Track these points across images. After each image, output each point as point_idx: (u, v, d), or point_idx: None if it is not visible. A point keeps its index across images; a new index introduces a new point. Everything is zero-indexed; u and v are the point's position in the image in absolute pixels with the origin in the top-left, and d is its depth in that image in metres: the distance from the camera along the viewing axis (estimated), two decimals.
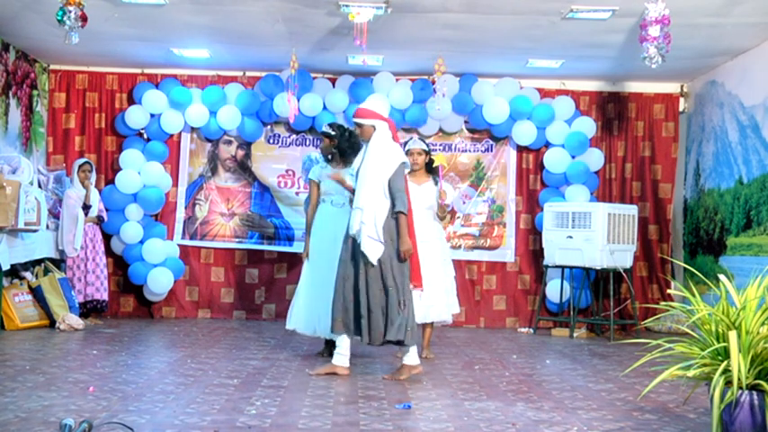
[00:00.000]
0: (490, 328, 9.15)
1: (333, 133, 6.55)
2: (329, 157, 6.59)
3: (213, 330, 8.14)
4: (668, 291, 8.80)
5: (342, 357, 5.67)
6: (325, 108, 8.94)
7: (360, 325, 5.57)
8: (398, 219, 5.54)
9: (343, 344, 5.67)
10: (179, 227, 9.24)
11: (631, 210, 8.52)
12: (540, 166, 9.29)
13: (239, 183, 9.31)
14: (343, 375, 5.60)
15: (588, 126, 9.12)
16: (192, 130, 9.24)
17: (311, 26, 7.40)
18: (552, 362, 6.78)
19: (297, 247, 9.08)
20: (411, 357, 5.63)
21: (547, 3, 6.60)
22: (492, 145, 9.38)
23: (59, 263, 8.34)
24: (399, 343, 5.56)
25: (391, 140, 5.69)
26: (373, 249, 5.50)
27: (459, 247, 9.25)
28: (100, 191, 8.84)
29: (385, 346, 5.80)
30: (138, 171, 8.90)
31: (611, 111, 9.44)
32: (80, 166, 8.40)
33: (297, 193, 9.23)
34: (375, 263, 5.49)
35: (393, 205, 5.54)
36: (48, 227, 7.98)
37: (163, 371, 5.71)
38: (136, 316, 9.13)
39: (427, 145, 6.82)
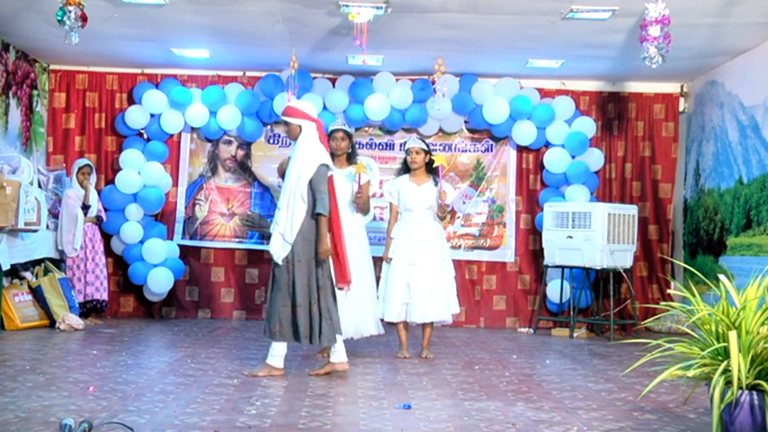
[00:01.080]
0: (490, 328, 9.14)
1: (351, 132, 6.64)
2: (331, 156, 6.60)
3: (213, 330, 8.14)
4: (668, 291, 8.80)
5: (277, 359, 5.65)
6: (325, 108, 8.94)
7: (297, 330, 5.56)
8: (318, 220, 5.53)
9: (279, 346, 5.66)
10: (179, 227, 9.24)
11: (631, 210, 8.52)
12: (540, 166, 9.29)
13: (239, 183, 9.31)
14: (278, 375, 5.58)
15: (588, 126, 9.12)
16: (192, 130, 9.24)
17: (311, 26, 7.40)
18: (552, 362, 6.78)
19: None
20: (339, 355, 5.68)
21: (547, 3, 6.60)
22: (492, 145, 9.38)
23: (59, 263, 8.34)
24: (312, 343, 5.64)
25: (317, 141, 5.70)
26: (278, 248, 5.53)
27: (459, 247, 9.25)
28: (100, 191, 8.84)
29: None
30: (138, 171, 8.90)
31: (611, 111, 9.44)
32: (80, 168, 8.40)
33: None
34: (280, 262, 5.52)
35: (314, 206, 5.53)
36: (48, 227, 7.98)
37: (163, 371, 5.71)
38: (136, 316, 9.13)
39: (427, 145, 6.82)
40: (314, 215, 5.52)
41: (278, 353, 5.64)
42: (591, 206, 8.41)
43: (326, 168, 5.64)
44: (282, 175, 6.09)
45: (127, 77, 9.28)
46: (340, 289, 5.71)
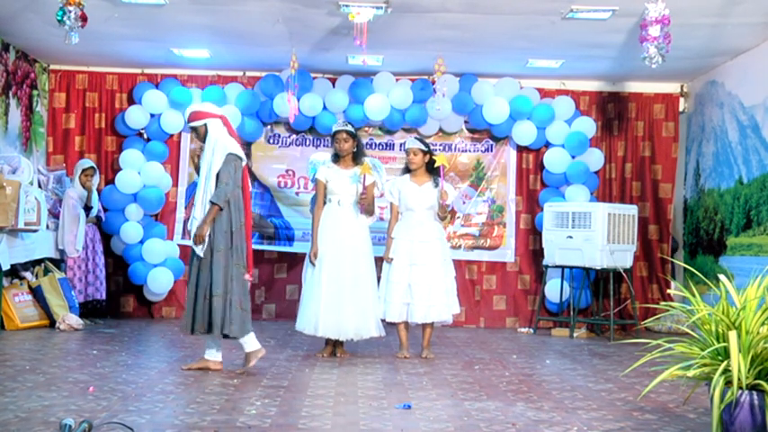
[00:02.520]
0: (490, 328, 9.14)
1: (354, 132, 6.62)
2: (336, 157, 6.59)
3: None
4: (668, 291, 8.80)
5: (215, 353, 5.72)
6: (325, 108, 8.94)
7: (210, 320, 5.58)
8: (210, 208, 5.56)
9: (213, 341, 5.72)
10: (179, 227, 9.23)
11: (631, 210, 8.52)
12: (540, 166, 9.29)
13: None
14: (216, 370, 5.64)
15: (588, 126, 9.12)
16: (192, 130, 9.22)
17: (311, 26, 7.40)
18: (552, 362, 6.77)
19: (297, 248, 9.08)
20: (250, 344, 5.70)
21: (547, 3, 6.60)
22: (492, 145, 9.38)
23: (59, 263, 8.34)
24: (227, 337, 5.65)
25: (226, 134, 5.74)
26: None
27: (460, 247, 9.25)
28: (100, 191, 8.84)
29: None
30: (138, 171, 8.90)
31: (611, 111, 9.44)
32: (84, 170, 8.41)
33: (297, 193, 9.24)
34: (201, 254, 5.57)
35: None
36: (48, 227, 7.98)
37: (163, 371, 5.71)
38: (136, 316, 9.13)
39: (426, 145, 6.81)
40: (208, 203, 5.57)
41: (215, 346, 5.72)
42: (591, 206, 8.41)
43: (235, 158, 5.67)
44: (197, 168, 5.98)
45: (127, 77, 9.28)
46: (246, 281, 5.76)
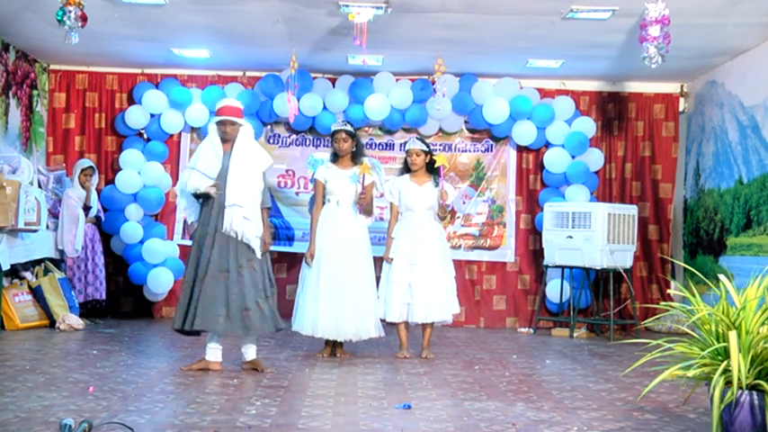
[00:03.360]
0: (490, 328, 9.14)
1: (354, 131, 6.62)
2: (335, 156, 6.59)
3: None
4: (668, 291, 8.80)
5: (216, 352, 5.77)
6: (325, 108, 8.94)
7: (244, 319, 5.62)
8: (264, 214, 5.85)
9: (216, 339, 5.76)
10: (179, 227, 9.23)
11: (631, 210, 8.52)
12: (540, 166, 9.29)
13: None
14: (216, 370, 5.67)
15: (588, 126, 9.12)
16: (192, 130, 9.23)
17: (311, 26, 7.40)
18: (552, 362, 6.77)
19: (297, 248, 9.08)
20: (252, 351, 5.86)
21: (547, 3, 6.60)
22: (492, 145, 9.38)
23: (59, 263, 8.34)
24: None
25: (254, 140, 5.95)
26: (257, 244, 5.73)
27: (460, 247, 9.25)
28: (99, 191, 8.85)
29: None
30: (138, 171, 8.91)
31: (611, 111, 9.44)
32: (83, 170, 8.40)
33: (297, 193, 9.24)
34: (260, 256, 5.73)
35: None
36: (48, 227, 7.98)
37: (163, 371, 5.71)
38: (136, 316, 9.12)
39: (427, 145, 6.81)
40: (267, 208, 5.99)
41: (216, 346, 5.77)
42: (591, 206, 8.41)
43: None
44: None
45: (127, 77, 9.28)
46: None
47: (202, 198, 5.76)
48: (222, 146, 5.74)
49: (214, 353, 5.75)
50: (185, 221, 9.17)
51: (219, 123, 5.73)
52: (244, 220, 5.62)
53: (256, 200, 5.74)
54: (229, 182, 5.64)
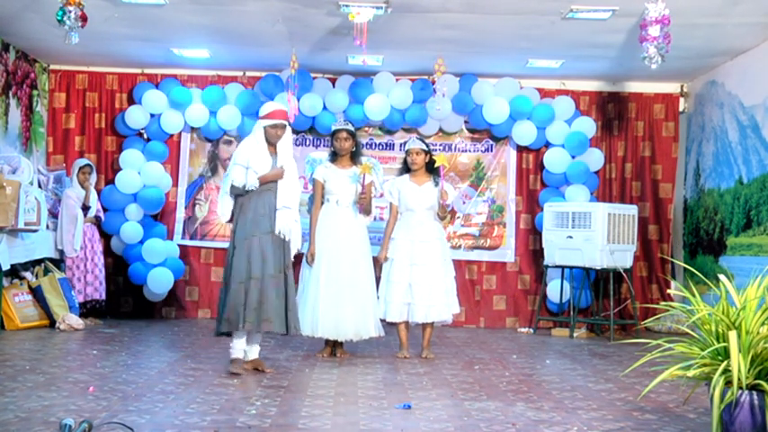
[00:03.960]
0: (490, 328, 9.14)
1: (354, 131, 6.63)
2: (333, 156, 6.59)
3: (213, 330, 8.12)
4: (668, 291, 8.80)
5: (257, 348, 5.86)
6: (325, 108, 8.94)
7: (287, 319, 5.69)
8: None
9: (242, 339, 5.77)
10: (179, 227, 9.24)
11: (631, 210, 8.52)
12: (540, 166, 9.29)
13: None
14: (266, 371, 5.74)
15: (588, 126, 9.12)
16: (192, 130, 9.24)
17: (311, 26, 7.40)
18: (552, 362, 6.77)
19: None
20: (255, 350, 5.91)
21: (547, 3, 6.60)
22: (492, 145, 9.38)
23: (59, 263, 8.34)
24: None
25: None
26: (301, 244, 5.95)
27: (460, 247, 9.25)
28: (99, 191, 8.84)
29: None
30: (138, 171, 8.90)
31: (611, 111, 9.44)
32: (80, 168, 8.40)
33: None
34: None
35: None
36: (48, 227, 7.98)
37: (163, 371, 5.71)
38: (136, 316, 9.12)
39: (427, 145, 6.81)
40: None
41: (240, 345, 5.80)
42: (591, 206, 8.41)
43: None
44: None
45: (127, 77, 9.28)
46: None
47: (239, 198, 5.77)
48: (268, 147, 5.78)
49: (255, 350, 5.83)
50: (185, 221, 9.23)
51: (273, 127, 5.75)
52: (294, 223, 5.77)
53: (298, 203, 5.91)
54: (282, 184, 5.73)
